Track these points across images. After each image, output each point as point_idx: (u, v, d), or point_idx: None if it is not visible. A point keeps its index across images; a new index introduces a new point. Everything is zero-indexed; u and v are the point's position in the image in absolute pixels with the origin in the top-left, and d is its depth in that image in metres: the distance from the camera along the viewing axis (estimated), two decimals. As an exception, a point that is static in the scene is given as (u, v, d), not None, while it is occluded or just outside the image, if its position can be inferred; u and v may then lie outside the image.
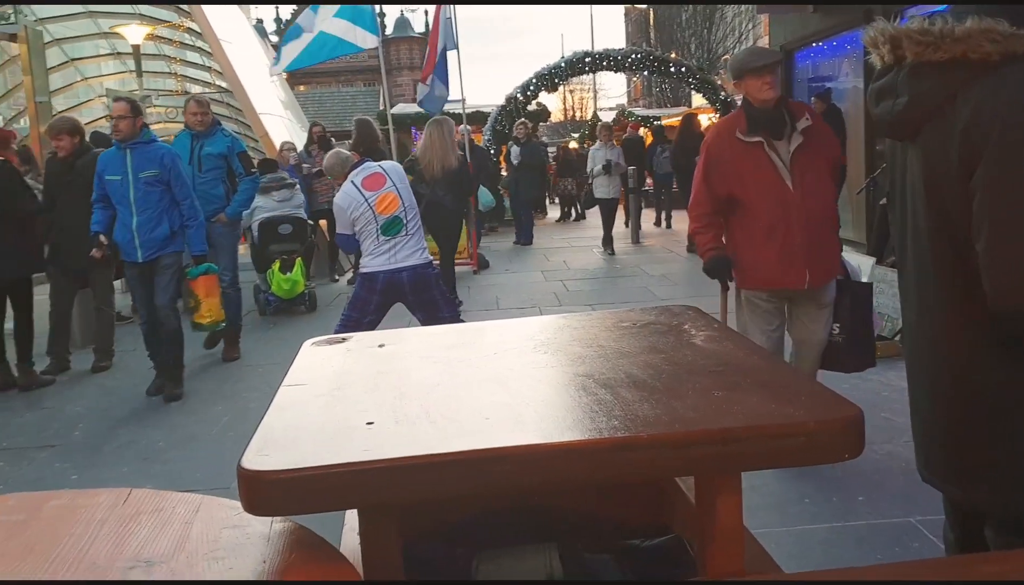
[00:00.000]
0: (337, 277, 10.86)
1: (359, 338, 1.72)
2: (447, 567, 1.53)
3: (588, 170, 12.62)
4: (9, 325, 6.30)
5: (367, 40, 10.98)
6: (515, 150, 14.11)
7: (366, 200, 4.89)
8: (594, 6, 34.44)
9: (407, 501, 1.11)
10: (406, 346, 1.66)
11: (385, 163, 5.29)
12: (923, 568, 1.18)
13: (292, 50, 10.45)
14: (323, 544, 1.12)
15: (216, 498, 1.25)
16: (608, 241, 12.26)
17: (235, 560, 1.07)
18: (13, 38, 11.58)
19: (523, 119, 15.08)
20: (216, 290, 6.06)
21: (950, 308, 1.67)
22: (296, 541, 1.12)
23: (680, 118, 14.75)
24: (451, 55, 12.11)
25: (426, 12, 39.50)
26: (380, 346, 1.65)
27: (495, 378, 1.37)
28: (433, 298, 4.97)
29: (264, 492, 1.04)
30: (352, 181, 4.99)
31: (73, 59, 14.81)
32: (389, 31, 41.51)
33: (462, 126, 13.56)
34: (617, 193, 12.41)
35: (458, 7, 11.52)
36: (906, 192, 1.75)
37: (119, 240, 5.74)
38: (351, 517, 1.47)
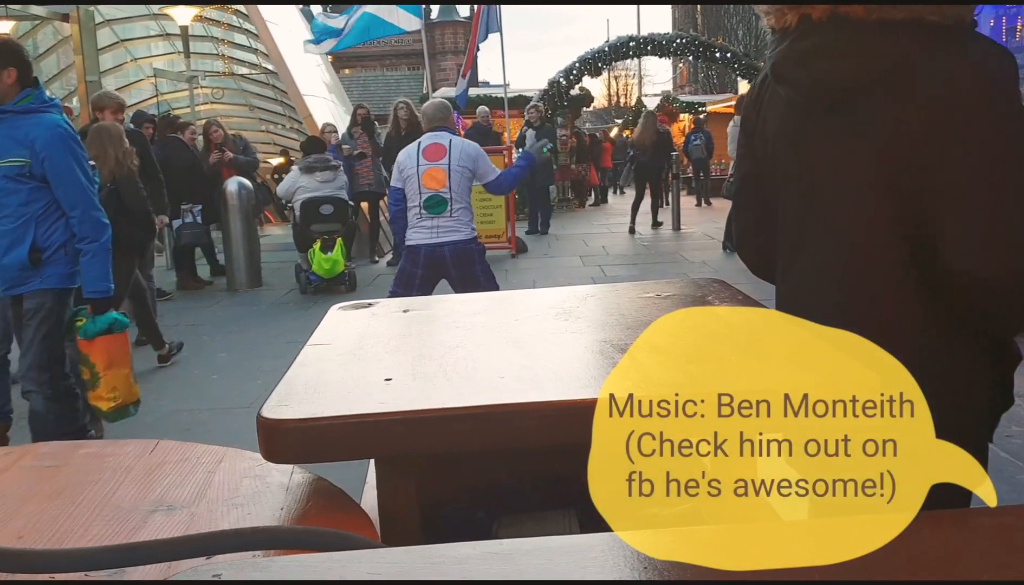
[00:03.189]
0: (377, 258, 10.94)
1: (385, 304, 1.74)
2: (467, 531, 1.56)
3: (731, 152, 10.72)
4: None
5: (410, 22, 11.06)
6: (529, 134, 13.25)
7: (418, 166, 4.87)
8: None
9: (421, 452, 1.13)
10: (430, 312, 1.69)
11: (458, 140, 5.04)
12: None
13: (339, 34, 10.61)
14: (340, 494, 1.15)
15: (239, 450, 1.29)
16: None
17: (253, 507, 1.10)
18: (65, 18, 11.81)
19: (535, 103, 14.54)
20: (126, 357, 3.91)
21: (894, 303, 1.44)
22: (314, 491, 1.15)
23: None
24: (494, 38, 12.16)
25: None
26: (404, 311, 1.67)
27: (514, 342, 1.39)
28: (475, 274, 4.95)
29: (282, 440, 1.07)
30: (419, 142, 4.96)
31: (123, 40, 15.07)
32: (434, 15, 41.56)
33: (480, 108, 13.55)
34: None
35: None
36: (812, 174, 1.51)
37: None
38: (372, 476, 1.50)
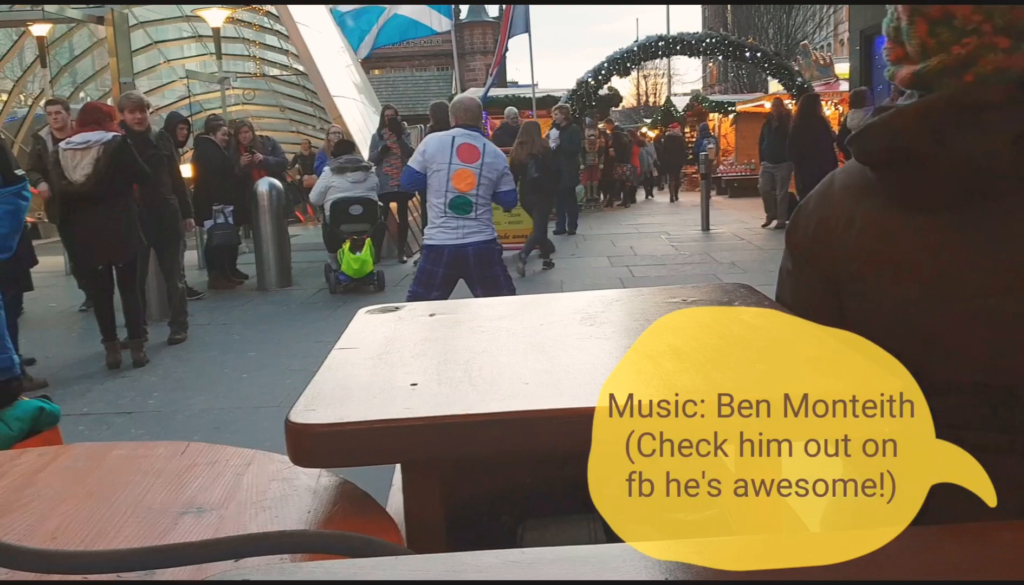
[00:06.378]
0: (405, 259, 11.00)
1: (411, 307, 1.76)
2: (491, 533, 1.57)
3: None
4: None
5: (441, 23, 11.14)
6: (554, 134, 12.87)
7: (449, 162, 4.87)
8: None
9: (447, 457, 1.14)
10: (456, 316, 1.70)
11: (491, 147, 5.07)
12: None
13: (372, 35, 10.73)
14: (367, 498, 1.16)
15: (268, 453, 1.30)
16: None
17: (281, 510, 1.12)
18: (100, 21, 11.98)
19: (561, 103, 14.45)
20: None
21: None
22: (341, 495, 1.16)
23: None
24: (523, 39, 12.20)
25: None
26: (431, 315, 1.68)
27: (538, 347, 1.39)
28: (495, 274, 4.98)
29: (310, 445, 1.08)
30: (454, 136, 4.95)
31: (156, 42, 15.28)
32: (463, 15, 41.63)
33: (508, 109, 13.52)
34: None
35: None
36: None
37: None
38: (399, 479, 1.51)
